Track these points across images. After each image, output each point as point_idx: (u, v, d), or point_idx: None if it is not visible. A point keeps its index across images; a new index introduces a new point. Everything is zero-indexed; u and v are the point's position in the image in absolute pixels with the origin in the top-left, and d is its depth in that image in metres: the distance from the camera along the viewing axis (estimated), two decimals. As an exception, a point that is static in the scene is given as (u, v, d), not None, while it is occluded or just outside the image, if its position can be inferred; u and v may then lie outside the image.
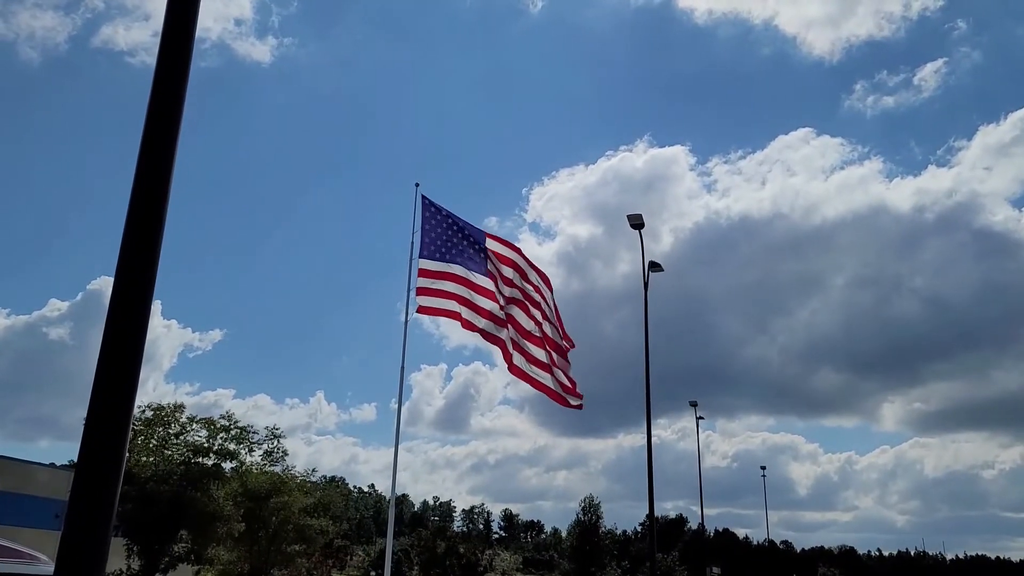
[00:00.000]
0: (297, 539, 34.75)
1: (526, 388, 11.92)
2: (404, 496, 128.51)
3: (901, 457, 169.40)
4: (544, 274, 12.37)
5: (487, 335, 11.70)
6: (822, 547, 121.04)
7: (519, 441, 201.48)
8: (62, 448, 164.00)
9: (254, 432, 32.67)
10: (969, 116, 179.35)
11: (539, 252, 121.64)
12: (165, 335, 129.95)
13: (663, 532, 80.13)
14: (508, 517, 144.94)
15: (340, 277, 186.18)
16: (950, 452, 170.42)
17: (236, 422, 31.61)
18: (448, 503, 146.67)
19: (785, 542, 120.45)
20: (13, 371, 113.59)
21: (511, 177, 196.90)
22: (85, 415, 3.27)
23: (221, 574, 33.52)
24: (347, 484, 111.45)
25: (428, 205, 12.08)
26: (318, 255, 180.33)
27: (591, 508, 62.38)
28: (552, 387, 11.90)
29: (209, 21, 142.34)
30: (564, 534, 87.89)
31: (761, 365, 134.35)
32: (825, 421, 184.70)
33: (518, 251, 12.19)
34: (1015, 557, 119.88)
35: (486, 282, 11.80)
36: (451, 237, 12.02)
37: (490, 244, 12.02)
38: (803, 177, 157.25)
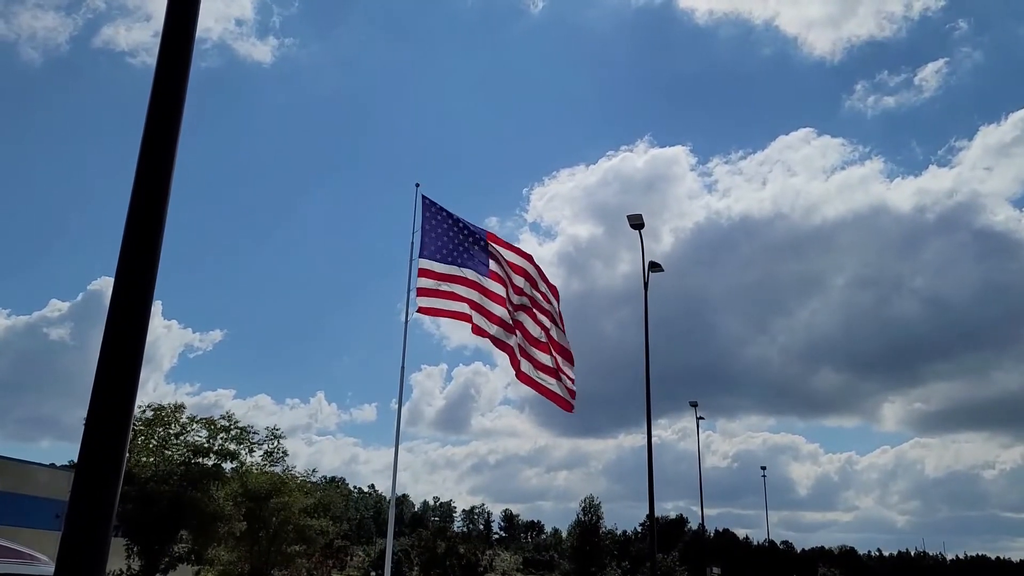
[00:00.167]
0: (297, 539, 34.75)
1: (527, 388, 11.93)
2: (404, 496, 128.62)
3: (901, 457, 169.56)
4: (553, 285, 12.38)
5: (497, 341, 11.70)
6: (822, 547, 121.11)
7: (519, 441, 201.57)
8: (63, 448, 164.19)
9: (254, 432, 32.74)
10: (970, 116, 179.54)
11: (540, 252, 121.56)
12: (166, 335, 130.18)
13: (663, 532, 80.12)
14: (508, 517, 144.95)
15: (341, 277, 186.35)
16: (951, 452, 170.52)
17: (236, 422, 31.66)
18: (448, 503, 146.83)
19: (785, 542, 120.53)
20: (14, 371, 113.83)
21: (512, 177, 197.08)
22: (85, 415, 3.27)
23: (221, 574, 33.53)
24: (347, 484, 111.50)
25: (429, 205, 12.04)
26: (319, 255, 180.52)
27: (591, 508, 62.43)
28: (559, 392, 11.91)
29: (210, 21, 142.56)
30: (564, 534, 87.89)
31: (761, 365, 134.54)
32: (825, 421, 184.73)
33: (530, 259, 12.14)
34: (1015, 557, 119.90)
35: (498, 288, 11.79)
36: (454, 237, 11.98)
37: (504, 253, 11.99)
38: (804, 177, 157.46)
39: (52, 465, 42.58)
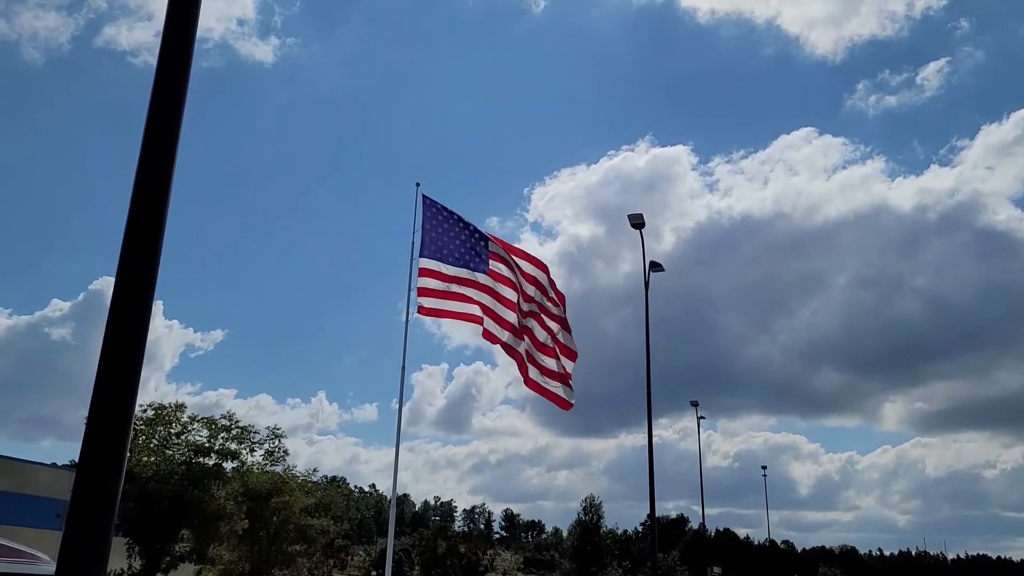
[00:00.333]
0: (298, 539, 34.76)
1: (528, 388, 11.93)
2: (405, 496, 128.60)
3: (902, 457, 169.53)
4: (561, 293, 12.37)
5: (508, 348, 11.67)
6: (823, 547, 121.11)
7: (520, 441, 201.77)
8: (64, 448, 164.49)
9: (255, 432, 32.74)
10: (972, 115, 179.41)
11: (541, 252, 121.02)
12: (167, 335, 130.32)
13: (664, 532, 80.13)
14: (509, 517, 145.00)
15: (342, 277, 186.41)
16: (952, 452, 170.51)
17: (237, 422, 31.66)
18: (449, 503, 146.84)
19: (786, 542, 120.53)
20: (15, 371, 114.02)
21: (513, 177, 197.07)
22: (87, 415, 3.27)
23: (222, 574, 33.55)
24: (348, 484, 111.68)
25: (430, 204, 11.98)
26: (320, 255, 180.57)
27: (592, 508, 62.43)
28: (563, 396, 11.91)
29: (212, 21, 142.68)
30: (565, 534, 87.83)
31: (763, 365, 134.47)
32: (827, 421, 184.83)
33: (546, 271, 12.11)
34: (1016, 557, 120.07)
35: (509, 292, 11.76)
36: (456, 236, 11.92)
37: (521, 263, 11.95)
38: (805, 177, 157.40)
39: (53, 465, 42.67)
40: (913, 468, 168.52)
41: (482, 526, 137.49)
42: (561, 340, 12.08)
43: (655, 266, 23.74)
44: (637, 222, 23.29)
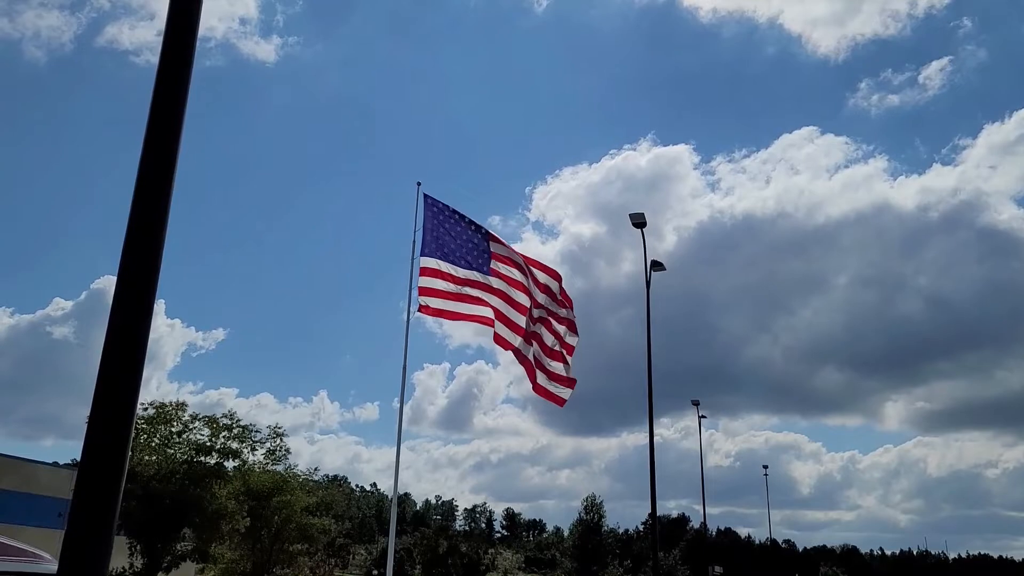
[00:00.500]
0: (299, 538, 34.76)
1: (529, 387, 11.93)
2: (406, 495, 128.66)
3: (904, 456, 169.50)
4: (569, 298, 12.35)
5: (519, 354, 11.62)
6: (824, 546, 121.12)
7: (522, 440, 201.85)
8: (66, 447, 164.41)
9: (256, 431, 32.73)
10: (974, 115, 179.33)
11: (542, 251, 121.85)
12: (169, 334, 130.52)
13: (665, 531, 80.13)
14: (510, 516, 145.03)
15: (343, 276, 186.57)
16: (953, 451, 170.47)
17: (238, 421, 31.64)
18: (450, 502, 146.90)
19: (787, 541, 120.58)
20: (17, 370, 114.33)
21: (514, 176, 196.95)
22: (88, 414, 3.27)
23: (224, 573, 33.58)
24: (349, 483, 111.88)
25: (432, 203, 11.93)
26: (321, 254, 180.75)
27: (593, 507, 62.52)
28: (565, 397, 11.90)
29: (214, 20, 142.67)
30: (566, 533, 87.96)
31: (764, 364, 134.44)
32: (828, 420, 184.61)
33: (558, 279, 12.07)
34: (1018, 556, 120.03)
35: (522, 297, 11.72)
36: (459, 235, 11.88)
37: (535, 272, 11.93)
38: (807, 176, 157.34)
39: (55, 464, 42.70)
40: (914, 467, 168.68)
41: (483, 525, 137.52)
42: (568, 342, 12.08)
43: (657, 265, 23.73)
44: (639, 221, 23.27)
